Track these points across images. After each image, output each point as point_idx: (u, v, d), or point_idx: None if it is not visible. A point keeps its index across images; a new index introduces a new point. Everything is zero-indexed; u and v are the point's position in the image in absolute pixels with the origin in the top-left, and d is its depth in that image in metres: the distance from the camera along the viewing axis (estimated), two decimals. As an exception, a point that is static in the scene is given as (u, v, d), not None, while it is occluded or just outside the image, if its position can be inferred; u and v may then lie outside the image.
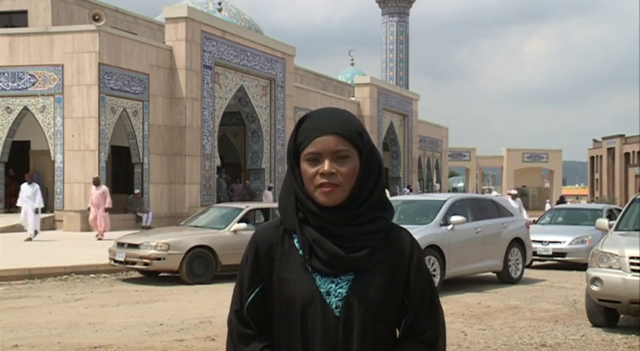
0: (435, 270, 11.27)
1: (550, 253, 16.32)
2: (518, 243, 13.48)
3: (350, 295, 1.89)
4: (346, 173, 1.88)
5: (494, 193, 52.34)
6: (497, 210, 13.49)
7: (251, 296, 1.96)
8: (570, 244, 16.16)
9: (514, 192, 23.57)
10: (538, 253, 16.24)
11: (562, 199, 39.89)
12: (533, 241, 16.34)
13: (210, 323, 8.69)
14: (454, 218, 11.92)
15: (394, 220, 2.02)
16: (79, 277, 13.18)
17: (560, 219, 18.62)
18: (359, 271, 1.91)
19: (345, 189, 1.88)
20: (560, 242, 16.31)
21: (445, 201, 12.59)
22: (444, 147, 55.78)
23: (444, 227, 11.85)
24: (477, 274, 13.17)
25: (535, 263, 16.68)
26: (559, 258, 16.30)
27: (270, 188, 28.28)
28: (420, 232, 11.00)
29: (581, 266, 15.93)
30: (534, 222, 19.76)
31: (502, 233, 13.10)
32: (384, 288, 1.92)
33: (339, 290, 1.90)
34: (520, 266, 13.48)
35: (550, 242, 16.36)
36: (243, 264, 2.00)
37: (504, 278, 13.07)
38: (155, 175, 24.61)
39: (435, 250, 11.41)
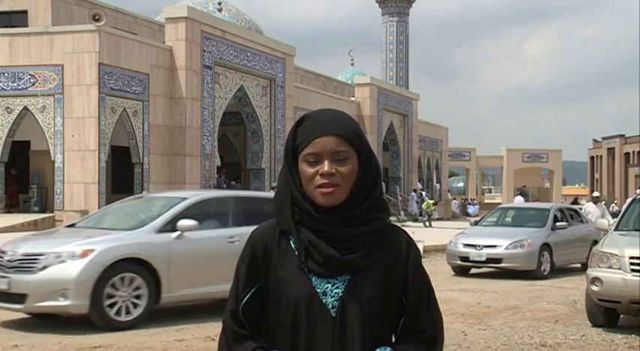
0: (140, 295, 8.56)
1: (484, 258, 14.23)
2: None
3: (346, 295, 1.90)
4: (346, 174, 1.88)
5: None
6: (264, 214, 10.67)
7: (246, 297, 1.97)
8: (507, 248, 14.10)
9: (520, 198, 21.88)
10: (471, 258, 14.30)
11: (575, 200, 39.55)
12: (467, 244, 14.54)
13: (210, 323, 8.70)
14: (183, 223, 8.94)
15: None
16: (79, 277, 13.16)
17: (508, 219, 16.53)
18: (355, 271, 1.91)
19: (345, 190, 1.89)
20: (495, 246, 14.26)
21: (183, 199, 9.54)
22: (444, 147, 55.77)
23: (164, 234, 8.91)
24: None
25: (473, 271, 15.08)
26: (494, 265, 14.32)
27: (274, 188, 28.28)
28: (112, 241, 8.61)
29: (519, 274, 14.12)
30: (475, 223, 17.78)
31: None
32: (380, 288, 1.92)
33: (335, 290, 1.91)
34: None
35: (485, 246, 14.27)
36: (239, 263, 2.01)
37: None
38: (155, 175, 24.61)
39: (140, 266, 8.59)
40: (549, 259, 14.71)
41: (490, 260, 14.25)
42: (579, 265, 15.91)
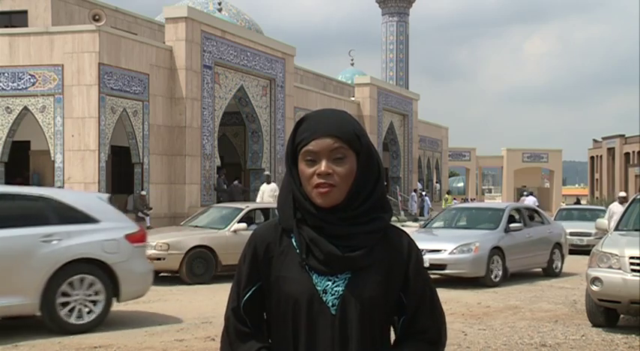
0: None
1: (427, 264, 12.20)
2: (91, 268, 8.23)
3: (346, 293, 1.91)
4: (343, 174, 1.89)
5: None
6: (34, 215, 8.34)
7: (248, 294, 1.99)
8: (451, 253, 12.61)
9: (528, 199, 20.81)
10: None
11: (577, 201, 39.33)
12: None
13: (210, 323, 8.70)
14: None
15: None
16: (79, 277, 13.16)
17: (461, 221, 14.90)
18: (356, 269, 1.92)
19: (342, 190, 1.89)
20: (439, 251, 12.75)
21: None
22: (444, 147, 55.78)
23: None
24: None
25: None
26: (438, 271, 12.68)
27: (274, 188, 28.28)
28: None
29: (464, 282, 12.63)
30: (424, 225, 16.01)
31: (38, 254, 7.94)
32: (380, 287, 1.93)
33: (335, 288, 1.91)
34: (91, 305, 8.24)
35: (428, 251, 12.62)
36: (241, 262, 2.02)
37: (50, 323, 8.09)
38: (155, 175, 24.61)
39: None
40: (501, 265, 13.14)
41: (433, 266, 12.54)
42: (540, 270, 14.84)
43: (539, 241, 14.53)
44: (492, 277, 12.91)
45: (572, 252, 19.42)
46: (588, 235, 20.30)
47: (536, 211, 15.87)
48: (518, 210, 14.83)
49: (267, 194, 21.46)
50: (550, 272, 14.77)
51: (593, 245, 18.39)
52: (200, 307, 10.08)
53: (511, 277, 13.82)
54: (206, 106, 26.13)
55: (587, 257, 17.17)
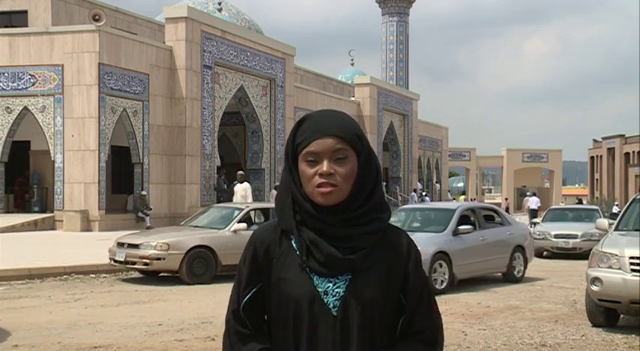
0: None
1: None
2: None
3: (347, 294, 1.91)
4: (344, 174, 1.89)
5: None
6: None
7: (248, 296, 1.99)
8: None
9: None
10: None
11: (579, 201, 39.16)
12: None
13: (210, 323, 8.70)
14: None
15: None
16: (79, 277, 13.18)
17: (414, 223, 13.46)
18: (356, 271, 1.92)
19: (344, 190, 1.89)
20: None
21: None
22: (444, 147, 55.79)
23: None
24: None
25: None
26: None
27: (276, 187, 28.25)
28: None
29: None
30: None
31: None
32: (381, 288, 1.93)
33: (336, 290, 1.92)
34: None
35: None
36: (241, 264, 2.02)
37: None
38: (155, 175, 24.62)
39: None
40: (448, 271, 11.83)
41: None
42: (500, 275, 13.52)
43: (497, 243, 13.20)
44: (435, 284, 11.55)
45: (557, 256, 18.77)
46: (575, 237, 18.82)
47: (496, 212, 14.60)
48: (472, 210, 13.50)
49: (240, 194, 20.64)
50: (510, 277, 13.36)
51: (580, 248, 18.18)
52: (200, 307, 10.08)
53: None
54: (206, 106, 26.12)
55: (572, 261, 16.92)
